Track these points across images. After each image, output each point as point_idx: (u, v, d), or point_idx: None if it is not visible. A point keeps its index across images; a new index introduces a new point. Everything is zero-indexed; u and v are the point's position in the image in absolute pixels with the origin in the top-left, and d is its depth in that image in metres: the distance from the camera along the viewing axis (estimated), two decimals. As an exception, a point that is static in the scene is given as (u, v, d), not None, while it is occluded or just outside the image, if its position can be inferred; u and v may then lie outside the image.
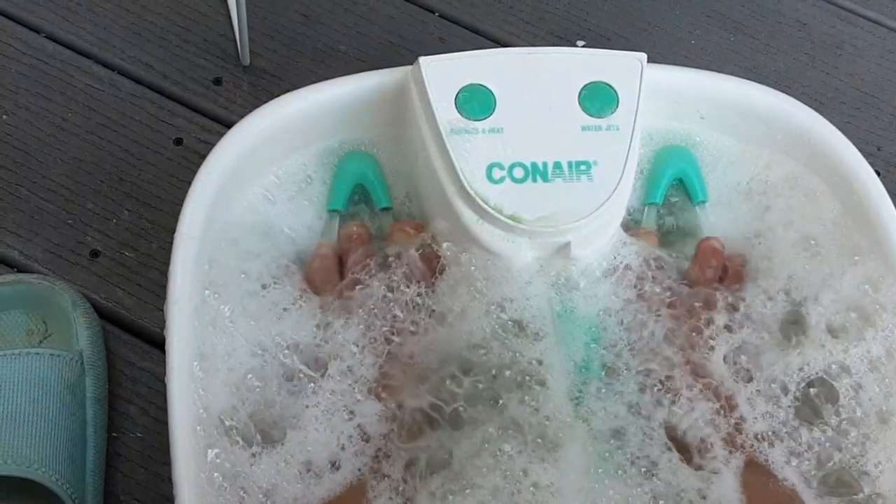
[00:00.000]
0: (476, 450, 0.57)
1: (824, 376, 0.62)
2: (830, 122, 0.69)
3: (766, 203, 0.69)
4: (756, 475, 0.58)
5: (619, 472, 0.57)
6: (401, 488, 0.56)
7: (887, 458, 0.60)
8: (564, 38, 0.88)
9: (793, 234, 0.67)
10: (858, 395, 0.61)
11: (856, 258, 0.65)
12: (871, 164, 0.67)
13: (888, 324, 0.63)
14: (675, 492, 0.57)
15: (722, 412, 0.60)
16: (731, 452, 0.59)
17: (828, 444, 0.60)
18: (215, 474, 0.56)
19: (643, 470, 0.57)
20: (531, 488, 0.55)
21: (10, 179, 0.75)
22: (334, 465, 0.58)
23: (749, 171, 0.70)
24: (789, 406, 0.61)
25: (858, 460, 0.60)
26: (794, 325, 0.64)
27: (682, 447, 0.59)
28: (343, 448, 0.58)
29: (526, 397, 0.59)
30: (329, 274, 0.65)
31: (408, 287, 0.63)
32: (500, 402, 0.60)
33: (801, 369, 0.62)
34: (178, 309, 0.58)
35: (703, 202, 0.70)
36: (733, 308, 0.64)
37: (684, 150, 0.71)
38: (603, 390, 0.60)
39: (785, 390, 0.62)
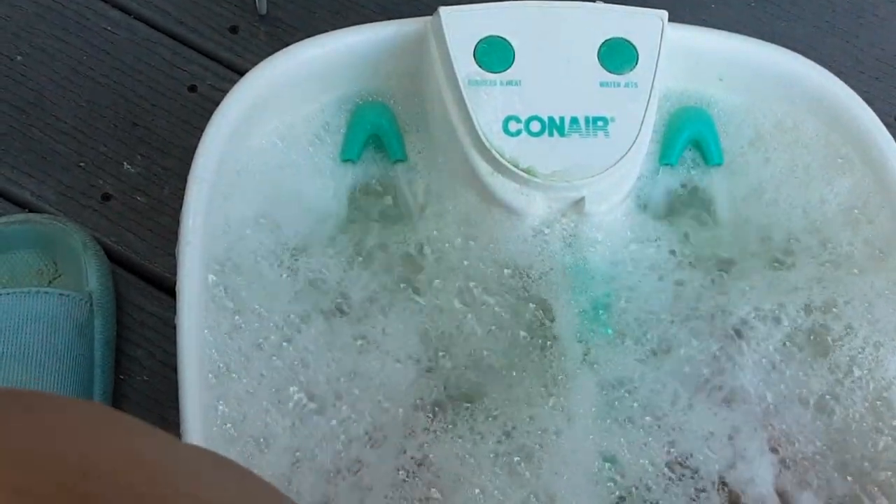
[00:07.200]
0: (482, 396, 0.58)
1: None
2: (848, 91, 0.69)
3: (782, 165, 0.69)
4: None
5: (627, 421, 0.57)
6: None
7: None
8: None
9: (809, 193, 0.67)
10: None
11: (872, 213, 0.65)
12: (888, 134, 0.67)
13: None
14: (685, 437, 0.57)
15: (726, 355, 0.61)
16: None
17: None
18: (222, 409, 0.56)
19: (654, 420, 0.58)
20: (539, 432, 0.55)
21: (23, 120, 0.75)
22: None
23: (766, 134, 0.70)
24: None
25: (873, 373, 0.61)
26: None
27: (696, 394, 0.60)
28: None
29: (534, 348, 0.59)
30: None
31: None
32: (508, 352, 0.60)
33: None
34: (191, 250, 0.58)
35: (719, 165, 0.70)
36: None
37: (702, 111, 0.70)
38: (612, 341, 0.60)
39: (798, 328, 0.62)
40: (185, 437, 0.54)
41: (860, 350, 0.61)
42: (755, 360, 0.61)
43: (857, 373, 0.61)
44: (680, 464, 0.57)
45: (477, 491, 0.55)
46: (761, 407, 0.60)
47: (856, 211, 0.67)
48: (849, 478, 0.59)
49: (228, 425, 0.57)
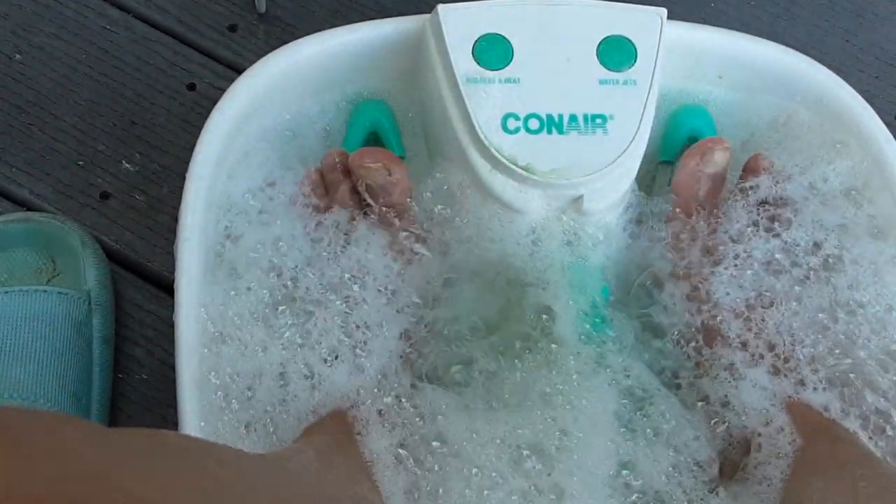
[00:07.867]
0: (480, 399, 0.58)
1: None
2: (848, 90, 0.68)
3: (780, 165, 0.68)
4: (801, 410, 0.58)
5: (628, 426, 0.57)
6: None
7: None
8: None
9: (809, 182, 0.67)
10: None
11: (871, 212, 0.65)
12: (887, 133, 0.67)
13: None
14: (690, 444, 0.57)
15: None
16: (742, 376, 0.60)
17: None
18: (219, 401, 0.56)
19: (657, 425, 0.58)
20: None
21: (22, 119, 0.75)
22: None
23: (765, 131, 0.70)
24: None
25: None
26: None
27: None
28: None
29: (533, 348, 0.59)
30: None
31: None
32: (506, 354, 0.60)
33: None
34: (189, 247, 0.58)
35: (718, 163, 0.70)
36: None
37: (700, 109, 0.70)
38: (611, 342, 0.60)
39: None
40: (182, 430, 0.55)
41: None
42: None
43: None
44: (693, 469, 0.57)
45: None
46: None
47: (854, 192, 0.67)
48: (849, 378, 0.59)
49: (223, 410, 0.57)
